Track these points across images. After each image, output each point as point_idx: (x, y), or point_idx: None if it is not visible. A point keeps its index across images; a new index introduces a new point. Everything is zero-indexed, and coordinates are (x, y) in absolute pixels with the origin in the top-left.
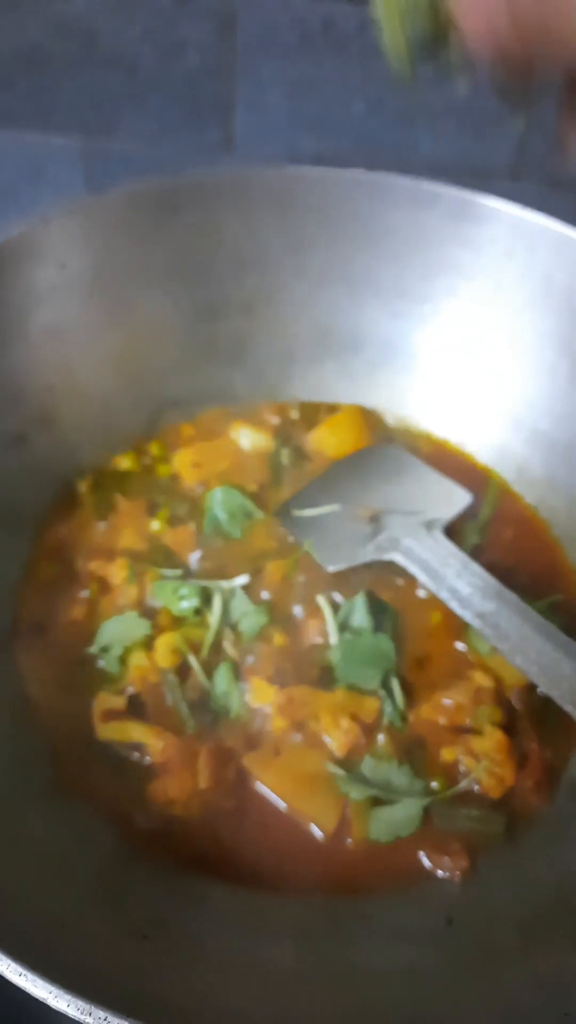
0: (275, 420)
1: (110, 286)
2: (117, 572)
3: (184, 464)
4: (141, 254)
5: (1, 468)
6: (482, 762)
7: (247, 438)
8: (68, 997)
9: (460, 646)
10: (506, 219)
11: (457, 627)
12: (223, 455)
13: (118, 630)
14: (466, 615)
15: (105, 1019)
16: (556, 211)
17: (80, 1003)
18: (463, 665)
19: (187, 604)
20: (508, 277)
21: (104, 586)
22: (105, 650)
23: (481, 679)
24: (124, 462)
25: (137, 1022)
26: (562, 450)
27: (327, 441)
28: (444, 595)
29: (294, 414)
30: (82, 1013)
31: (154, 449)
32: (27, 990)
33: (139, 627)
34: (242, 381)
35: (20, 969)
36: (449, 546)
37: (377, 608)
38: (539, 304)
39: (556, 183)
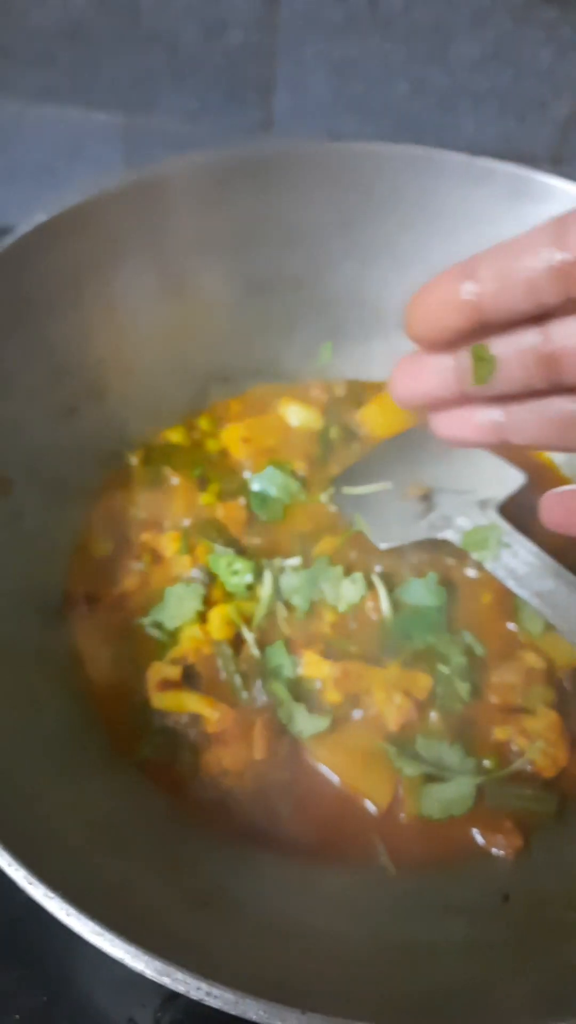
0: (323, 397)
1: (162, 260)
2: (169, 544)
3: (233, 439)
4: (192, 228)
5: (52, 440)
6: (536, 742)
7: (296, 415)
8: (146, 958)
9: (511, 626)
10: (562, 197)
11: (508, 607)
12: (272, 431)
13: (176, 605)
14: (523, 594)
15: (183, 980)
16: None
17: (158, 964)
18: (514, 645)
19: (240, 579)
20: None
21: (156, 557)
22: (159, 624)
23: (533, 660)
24: (174, 436)
25: (212, 983)
26: None
27: (375, 419)
28: (500, 573)
29: (341, 391)
30: (160, 974)
31: (203, 424)
32: (103, 949)
33: (195, 600)
34: (289, 357)
35: (97, 929)
36: (504, 525)
37: (430, 585)
38: None
39: None
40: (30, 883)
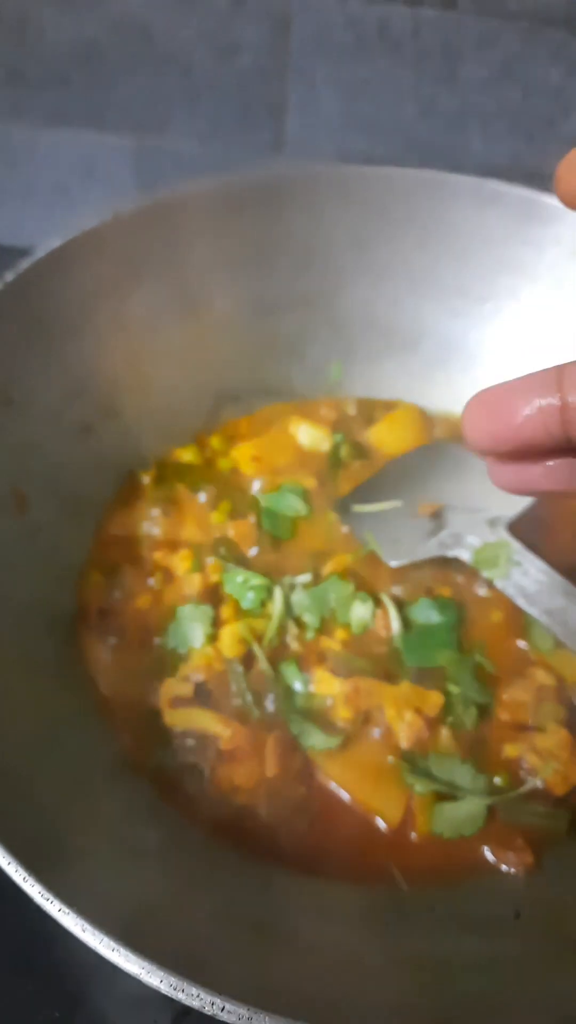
0: (332, 415)
1: (175, 281)
2: (180, 563)
3: (244, 458)
4: (205, 250)
5: (69, 458)
6: (549, 762)
7: (306, 434)
8: (161, 973)
9: (521, 644)
10: (571, 218)
11: (518, 625)
12: (282, 450)
13: (186, 627)
14: (534, 612)
15: (198, 995)
16: None
17: (173, 979)
18: (525, 663)
19: (253, 596)
20: (572, 278)
21: (168, 576)
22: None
23: (543, 677)
24: (186, 455)
25: (226, 998)
26: None
27: (385, 438)
28: (510, 591)
29: (351, 410)
30: (175, 989)
31: (214, 443)
32: (119, 964)
33: (205, 622)
34: (300, 376)
35: (113, 944)
36: (514, 543)
37: (440, 604)
38: None
39: None
40: (45, 898)
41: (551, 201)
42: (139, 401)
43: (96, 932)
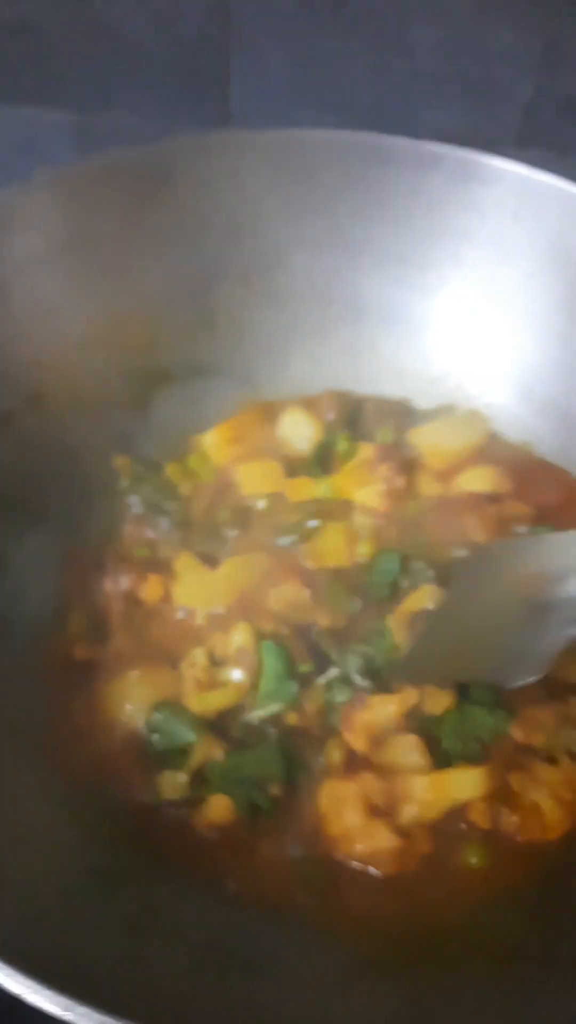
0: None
1: (97, 256)
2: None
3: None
4: (130, 222)
5: None
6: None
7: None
8: (48, 992)
9: None
10: (513, 180)
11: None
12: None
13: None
14: None
15: (86, 1015)
16: (565, 177)
17: (60, 999)
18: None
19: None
20: (515, 242)
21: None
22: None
23: None
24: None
25: (116, 1018)
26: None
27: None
28: None
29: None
30: (64, 1009)
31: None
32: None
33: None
34: (241, 353)
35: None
36: None
37: None
38: (548, 270)
39: (565, 149)
40: None
41: (492, 161)
42: (65, 385)
43: None
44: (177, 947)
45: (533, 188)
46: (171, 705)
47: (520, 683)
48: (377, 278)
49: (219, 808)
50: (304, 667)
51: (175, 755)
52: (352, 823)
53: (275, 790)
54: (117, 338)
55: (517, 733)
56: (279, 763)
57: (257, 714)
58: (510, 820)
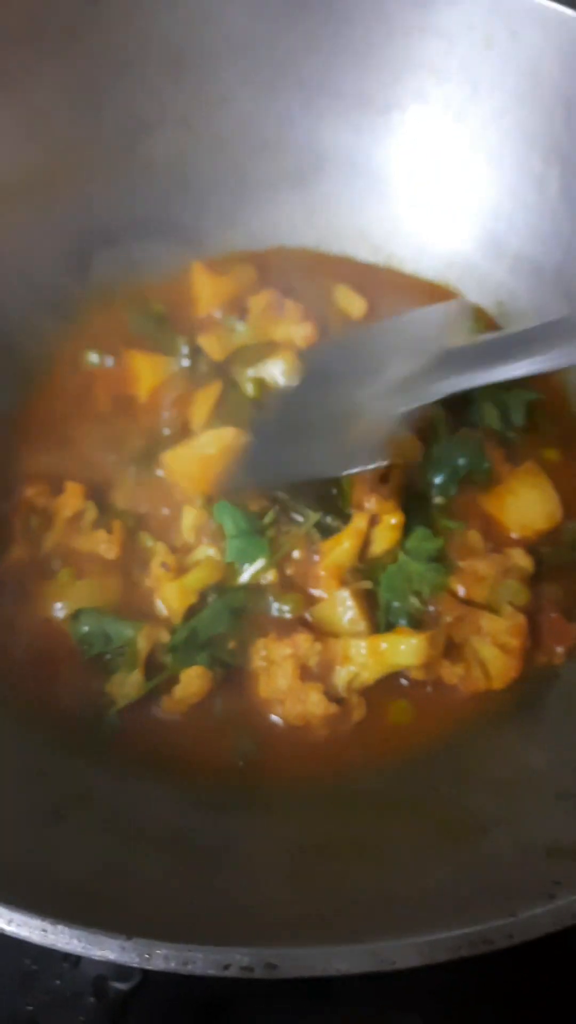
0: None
1: (14, 96)
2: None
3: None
4: (52, 56)
5: None
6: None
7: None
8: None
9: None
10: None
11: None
12: None
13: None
14: None
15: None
16: None
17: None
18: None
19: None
20: (487, 71)
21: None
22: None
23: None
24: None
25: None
26: (551, 277)
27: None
28: None
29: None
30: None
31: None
32: None
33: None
34: (187, 210)
35: None
36: None
37: None
38: (525, 101)
39: None
40: None
41: None
42: None
43: None
44: (145, 848)
45: (506, 6)
46: (92, 611)
47: (357, 470)
48: (334, 124)
49: (192, 680)
50: (269, 517)
51: (117, 658)
52: (283, 686)
53: (232, 643)
54: (45, 191)
55: (457, 587)
56: (227, 617)
57: (242, 579)
58: (452, 672)
